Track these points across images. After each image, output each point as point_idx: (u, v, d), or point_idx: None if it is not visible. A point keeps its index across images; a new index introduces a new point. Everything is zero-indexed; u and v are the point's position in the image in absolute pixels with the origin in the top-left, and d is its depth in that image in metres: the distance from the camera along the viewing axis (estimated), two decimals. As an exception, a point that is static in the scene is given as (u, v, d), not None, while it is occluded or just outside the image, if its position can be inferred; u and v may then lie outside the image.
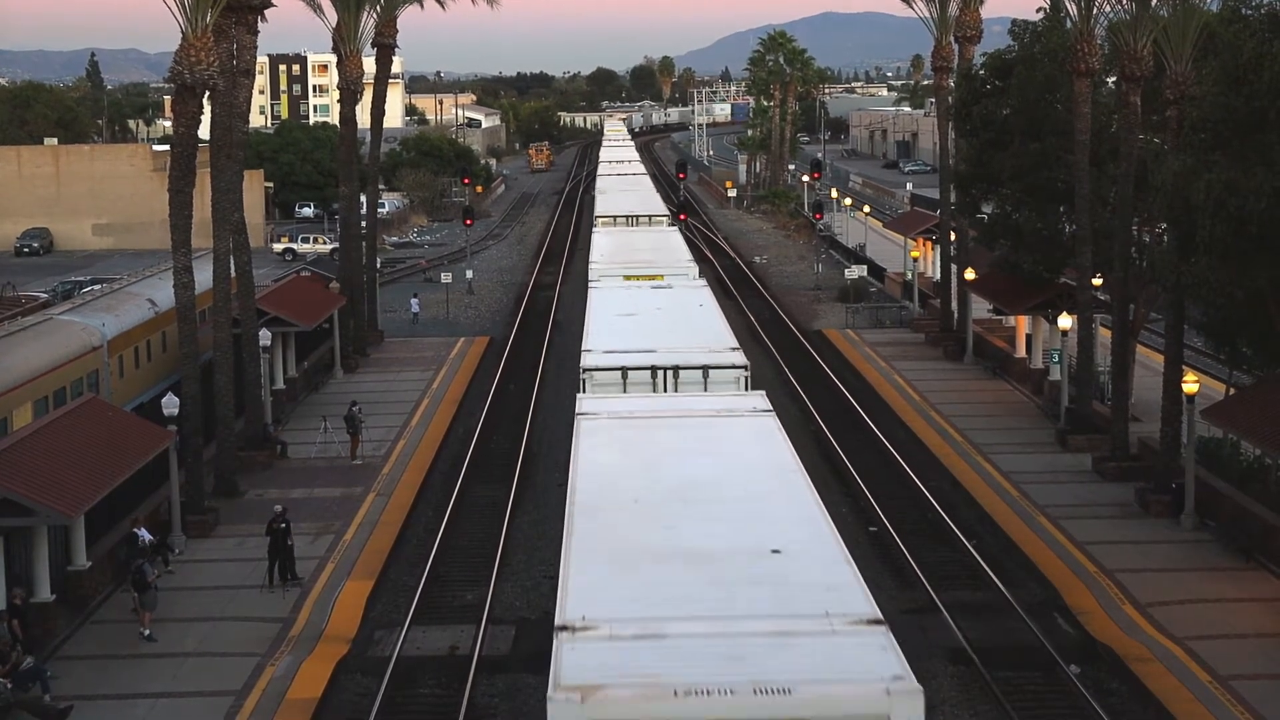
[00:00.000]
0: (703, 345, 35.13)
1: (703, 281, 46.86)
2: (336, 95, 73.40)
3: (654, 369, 32.81)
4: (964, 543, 37.87)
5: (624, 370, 32.79)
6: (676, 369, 32.80)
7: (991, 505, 41.05)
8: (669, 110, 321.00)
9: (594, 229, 65.13)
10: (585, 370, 33.23)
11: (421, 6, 71.38)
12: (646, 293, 43.75)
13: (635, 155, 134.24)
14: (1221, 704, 27.17)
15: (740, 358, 33.87)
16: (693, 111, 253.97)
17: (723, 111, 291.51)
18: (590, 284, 45.95)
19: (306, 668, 29.94)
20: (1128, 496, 40.47)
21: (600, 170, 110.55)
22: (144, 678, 29.53)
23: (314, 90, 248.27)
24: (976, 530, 39.20)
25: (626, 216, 67.97)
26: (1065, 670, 29.41)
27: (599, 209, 73.63)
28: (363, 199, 70.29)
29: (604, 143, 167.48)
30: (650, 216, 68.40)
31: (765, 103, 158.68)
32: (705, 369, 32.84)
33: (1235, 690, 27.70)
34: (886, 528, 39.02)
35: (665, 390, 32.33)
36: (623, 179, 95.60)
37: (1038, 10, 54.43)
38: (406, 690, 29.53)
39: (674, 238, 59.40)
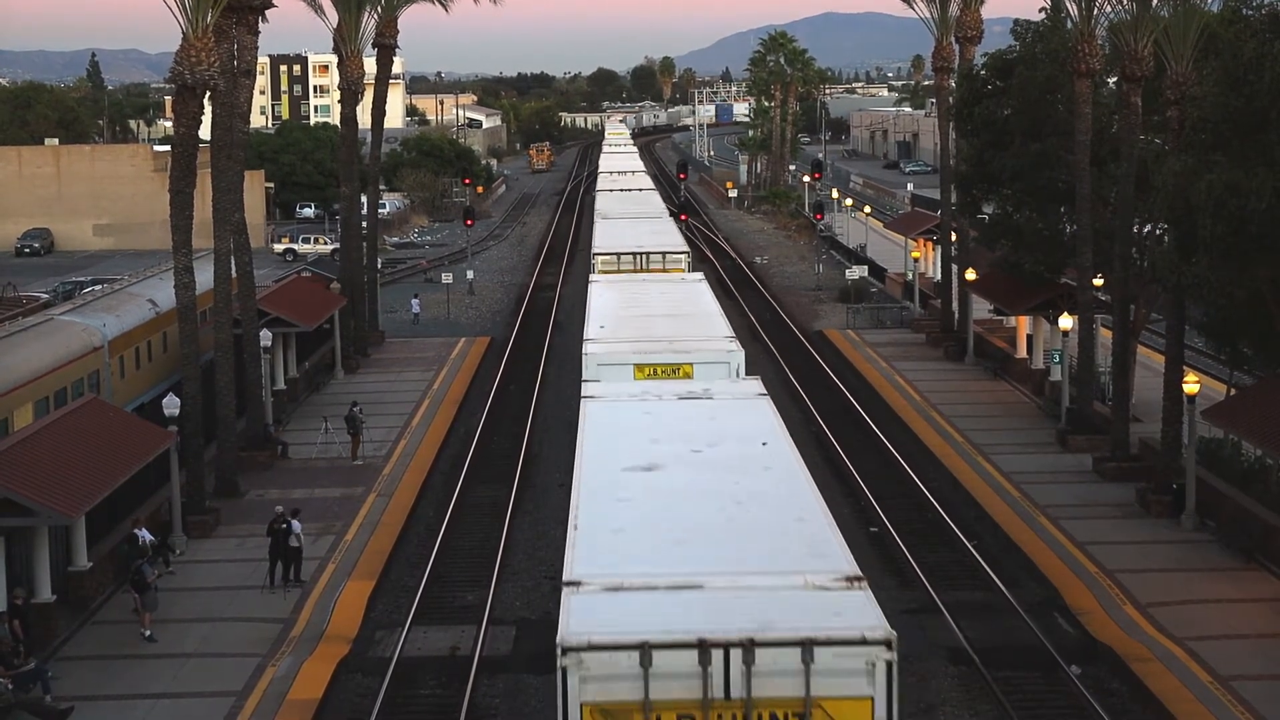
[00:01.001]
0: (793, 571, 18.39)
1: (757, 384, 29.85)
2: (337, 96, 73.43)
3: (704, 646, 16.64)
4: (964, 543, 37.88)
5: (644, 649, 16.60)
6: (750, 645, 16.64)
7: (992, 505, 41.06)
8: (657, 113, 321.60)
9: (591, 278, 47.03)
10: (567, 650, 16.75)
11: (438, 3, 71.25)
12: (673, 409, 27.46)
13: (640, 165, 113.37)
14: (1222, 704, 27.17)
15: (872, 614, 17.35)
16: (693, 112, 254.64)
17: (706, 113, 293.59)
18: (584, 389, 29.66)
19: (307, 668, 29.94)
20: (1128, 497, 40.47)
21: (600, 184, 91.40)
22: (145, 678, 29.53)
23: (315, 90, 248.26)
24: (977, 530, 39.22)
25: (634, 254, 52.53)
26: (1066, 670, 29.42)
27: (598, 242, 56.94)
28: (363, 199, 70.28)
29: (604, 148, 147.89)
30: (665, 254, 52.83)
31: (766, 103, 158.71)
32: (808, 646, 16.68)
33: (1236, 691, 27.70)
34: (887, 528, 39.03)
35: (729, 691, 16.70)
36: (627, 196, 78.65)
37: (1040, 10, 54.53)
38: (407, 691, 29.53)
39: (702, 295, 42.36)
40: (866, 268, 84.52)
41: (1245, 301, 37.09)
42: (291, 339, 55.52)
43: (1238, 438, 38.24)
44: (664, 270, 50.97)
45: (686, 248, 55.13)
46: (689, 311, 39.52)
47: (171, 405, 38.76)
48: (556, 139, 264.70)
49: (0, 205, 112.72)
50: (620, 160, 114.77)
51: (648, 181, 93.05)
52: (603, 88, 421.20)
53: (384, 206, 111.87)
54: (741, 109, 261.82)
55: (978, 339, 61.81)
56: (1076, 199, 46.42)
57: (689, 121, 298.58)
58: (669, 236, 58.05)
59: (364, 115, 65.95)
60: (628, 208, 70.80)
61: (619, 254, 52.68)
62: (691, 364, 33.43)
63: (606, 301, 41.20)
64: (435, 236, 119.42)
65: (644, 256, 52.43)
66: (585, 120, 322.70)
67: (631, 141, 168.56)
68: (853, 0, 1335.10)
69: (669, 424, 26.18)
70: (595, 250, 54.54)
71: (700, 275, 47.29)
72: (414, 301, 78.22)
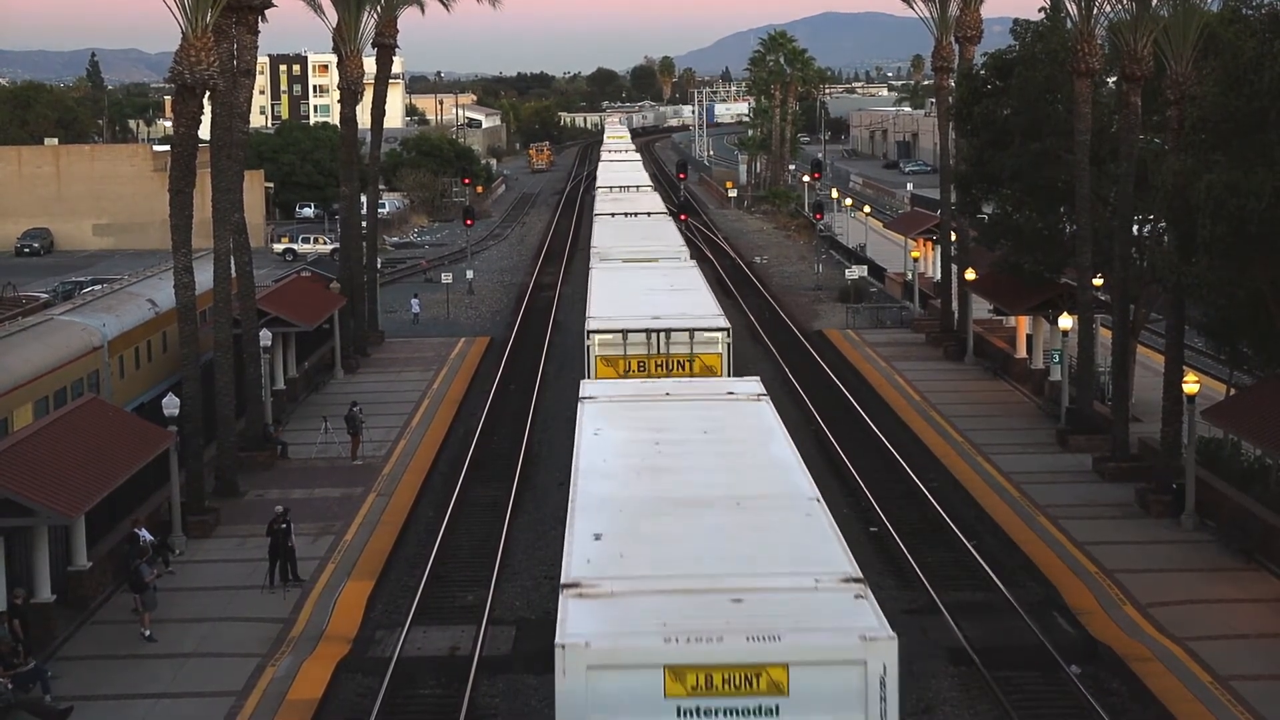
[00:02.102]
0: None
1: (891, 658, 17.11)
2: (337, 95, 73.44)
3: None
4: (964, 543, 37.87)
5: None
6: None
7: (992, 505, 41.06)
8: (646, 114, 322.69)
9: (582, 392, 30.88)
10: None
11: (422, 10, 71.45)
12: None
13: (645, 177, 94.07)
14: (1222, 704, 27.18)
15: None
16: (680, 112, 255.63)
17: (691, 113, 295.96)
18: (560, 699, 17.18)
19: (307, 668, 29.95)
20: (1128, 497, 40.47)
21: (598, 204, 74.50)
22: (144, 678, 29.53)
23: (314, 90, 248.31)
24: (977, 530, 39.21)
25: (647, 331, 37.74)
26: (1066, 670, 29.42)
27: (595, 308, 41.32)
28: (363, 199, 70.29)
29: (602, 154, 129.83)
30: (692, 332, 37.83)
31: (765, 102, 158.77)
32: None
33: (1235, 690, 27.71)
34: (887, 527, 39.01)
35: None
36: (632, 225, 62.68)
37: (1039, 10, 54.55)
38: (407, 691, 29.53)
39: (773, 442, 26.25)
40: (866, 267, 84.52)
41: (1245, 301, 37.10)
42: (291, 339, 55.51)
43: (1237, 438, 38.25)
44: (690, 355, 37.31)
45: (724, 319, 39.33)
46: (759, 498, 22.44)
47: (171, 405, 38.75)
48: (556, 139, 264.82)
49: (0, 205, 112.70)
50: (621, 170, 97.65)
51: (656, 201, 74.98)
52: (602, 88, 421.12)
53: (384, 206, 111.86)
54: (723, 109, 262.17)
55: (977, 339, 61.81)
56: (1076, 199, 46.42)
57: (673, 122, 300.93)
58: (695, 296, 42.74)
59: (363, 115, 65.93)
60: (634, 243, 55.27)
61: (626, 330, 38.07)
62: (786, 666, 17.15)
63: (610, 469, 24.24)
64: (435, 236, 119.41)
65: (662, 336, 37.62)
66: (585, 120, 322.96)
67: (633, 146, 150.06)
68: (853, 0, 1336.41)
69: None
70: (591, 324, 39.19)
71: (759, 388, 30.63)
72: (414, 301, 78.21)
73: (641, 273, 47.68)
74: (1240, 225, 33.65)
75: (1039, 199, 51.40)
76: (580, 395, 30.55)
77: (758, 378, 32.74)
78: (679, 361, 37.53)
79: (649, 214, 67.21)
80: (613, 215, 66.76)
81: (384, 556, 37.74)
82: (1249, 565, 34.76)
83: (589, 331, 38.51)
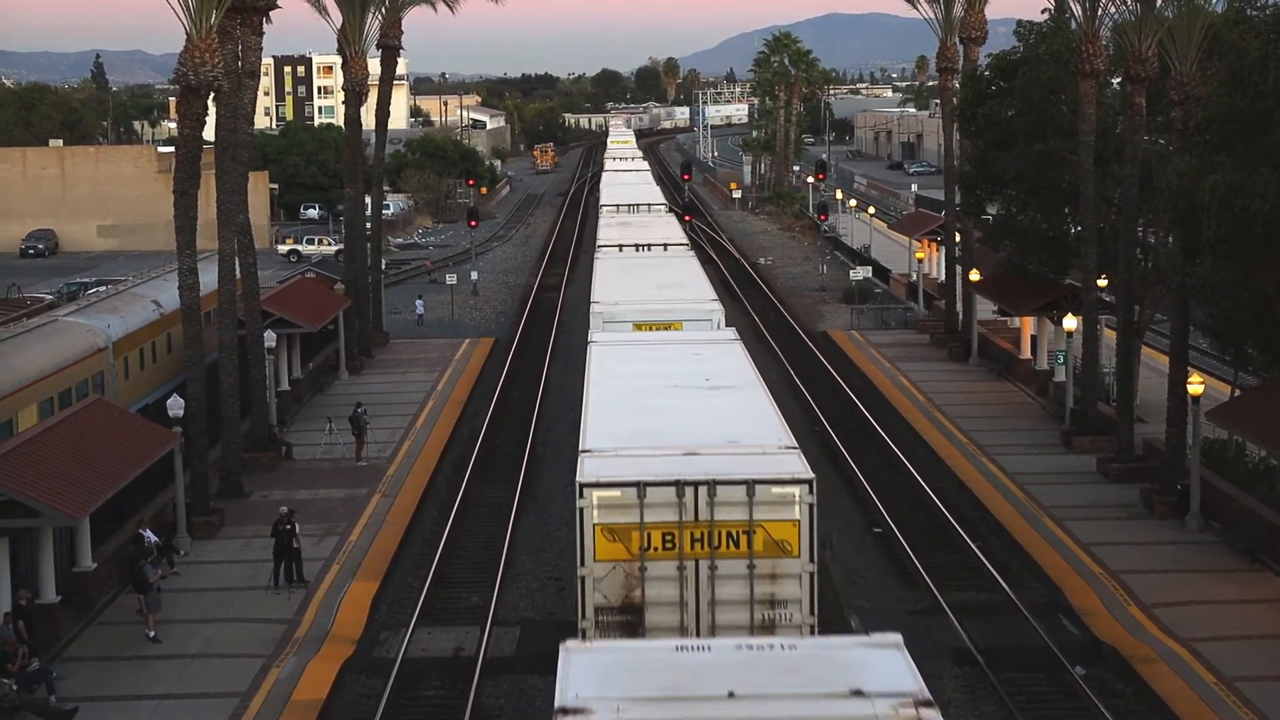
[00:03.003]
0: None
1: None
2: (341, 97, 73.47)
3: None
4: (969, 544, 37.85)
5: None
6: None
7: (996, 506, 41.04)
8: (641, 116, 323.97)
9: (562, 708, 15.36)
10: None
11: (434, 8, 71.45)
12: None
13: (658, 193, 77.31)
14: (1227, 705, 27.17)
15: None
16: (695, 115, 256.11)
17: (682, 115, 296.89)
18: None
19: (312, 669, 29.96)
20: (1133, 498, 40.45)
21: (601, 233, 57.89)
22: (149, 679, 29.55)
23: (319, 92, 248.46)
24: (981, 531, 39.18)
25: (677, 486, 23.21)
26: (1070, 671, 29.41)
27: (591, 439, 26.06)
28: (367, 200, 70.31)
29: (606, 164, 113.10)
30: (751, 484, 23.20)
31: (770, 103, 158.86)
32: None
33: (1240, 691, 27.69)
34: (891, 528, 38.98)
35: None
36: (645, 265, 47.76)
37: (1043, 11, 54.53)
38: (411, 692, 29.54)
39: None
40: (871, 268, 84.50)
41: (1250, 302, 37.12)
42: (296, 340, 55.56)
43: (1242, 439, 38.23)
44: (749, 524, 23.28)
45: (802, 459, 24.65)
46: None
47: (176, 406, 38.80)
48: (560, 140, 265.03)
49: (5, 206, 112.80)
50: (627, 184, 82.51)
51: (674, 228, 58.74)
52: (607, 88, 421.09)
53: (388, 207, 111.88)
54: (712, 111, 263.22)
55: (982, 340, 61.79)
56: (1081, 200, 46.41)
57: (666, 124, 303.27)
58: (747, 404, 28.44)
59: (368, 116, 66.00)
60: (649, 296, 41.04)
61: (643, 483, 23.42)
62: None
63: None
64: (439, 237, 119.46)
65: (703, 492, 23.43)
66: (589, 121, 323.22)
67: (640, 153, 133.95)
68: (857, 1, 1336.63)
69: None
70: (588, 467, 24.38)
71: (906, 669, 17.66)
72: (418, 302, 78.23)
73: (662, 353, 33.16)
74: (1245, 226, 33.65)
75: (1043, 200, 51.42)
76: (557, 705, 15.65)
77: (899, 637, 17.88)
78: (729, 534, 23.39)
79: (665, 246, 51.46)
80: (619, 248, 51.30)
81: (389, 557, 37.76)
82: (1254, 566, 34.74)
83: (583, 485, 23.54)
